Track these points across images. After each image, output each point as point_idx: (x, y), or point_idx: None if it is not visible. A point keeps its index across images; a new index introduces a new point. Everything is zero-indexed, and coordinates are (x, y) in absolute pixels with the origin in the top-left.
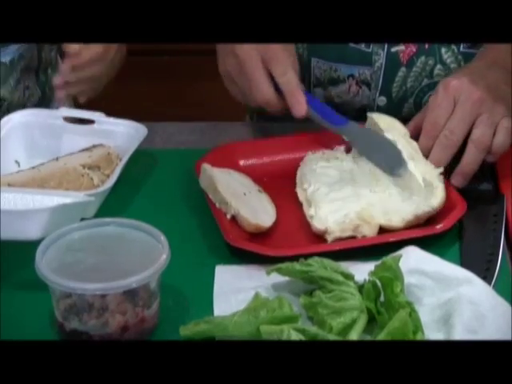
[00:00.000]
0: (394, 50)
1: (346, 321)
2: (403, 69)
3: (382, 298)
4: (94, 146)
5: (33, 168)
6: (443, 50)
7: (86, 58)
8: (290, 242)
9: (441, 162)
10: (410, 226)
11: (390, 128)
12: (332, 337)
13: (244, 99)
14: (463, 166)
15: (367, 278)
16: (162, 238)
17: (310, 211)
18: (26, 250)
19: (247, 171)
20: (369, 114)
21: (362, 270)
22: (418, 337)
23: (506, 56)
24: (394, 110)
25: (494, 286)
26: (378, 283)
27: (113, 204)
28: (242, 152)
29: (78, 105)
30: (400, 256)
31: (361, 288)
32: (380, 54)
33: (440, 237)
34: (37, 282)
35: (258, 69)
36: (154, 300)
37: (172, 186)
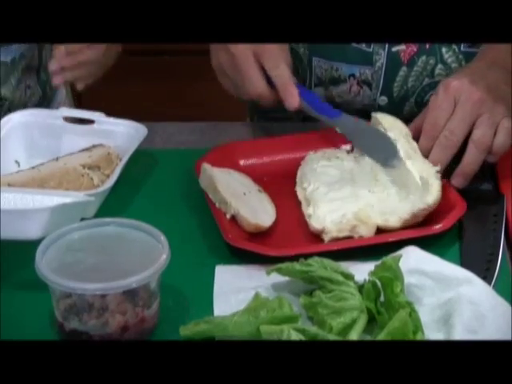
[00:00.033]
0: (394, 49)
1: (346, 321)
2: (404, 68)
3: (382, 298)
4: (94, 146)
5: (33, 168)
6: (444, 49)
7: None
8: (289, 241)
9: (441, 163)
10: (408, 226)
11: (392, 127)
12: (332, 337)
13: (237, 92)
14: (464, 167)
15: (367, 278)
16: (162, 238)
17: (308, 210)
18: (26, 249)
19: (247, 171)
20: (373, 114)
21: (361, 270)
22: (418, 337)
23: (505, 56)
24: (395, 109)
25: (494, 286)
26: (378, 283)
27: (113, 204)
28: (242, 152)
29: (75, 93)
30: (400, 256)
31: (361, 288)
32: (381, 54)
33: (440, 237)
34: (37, 282)
35: (250, 62)
36: (154, 300)
37: (172, 186)
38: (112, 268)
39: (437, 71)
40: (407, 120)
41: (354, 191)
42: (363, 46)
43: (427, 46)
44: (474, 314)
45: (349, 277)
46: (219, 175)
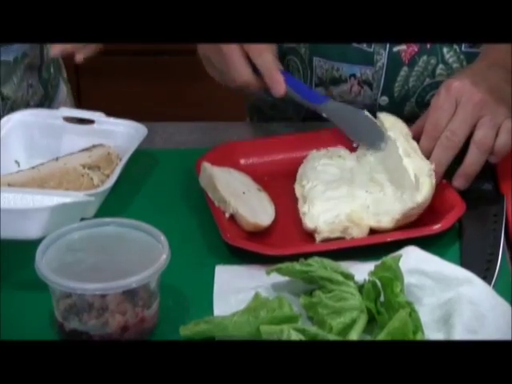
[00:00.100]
0: (395, 49)
1: (346, 321)
2: (405, 68)
3: (381, 298)
4: (94, 146)
5: (33, 168)
6: (445, 49)
7: None
8: (288, 241)
9: (442, 163)
10: (401, 226)
11: (392, 127)
12: (332, 337)
13: (223, 80)
14: (465, 168)
15: (367, 278)
16: (162, 238)
17: (303, 208)
18: (26, 249)
19: (248, 170)
20: (378, 114)
21: (361, 270)
22: (418, 337)
23: (506, 56)
24: (396, 109)
25: (494, 286)
26: (378, 283)
27: (113, 204)
28: (242, 151)
29: (76, 66)
30: (400, 256)
31: (361, 288)
32: (382, 54)
33: (440, 237)
34: (37, 282)
35: (235, 50)
36: (154, 300)
37: (172, 186)
38: (112, 268)
39: (438, 71)
40: (408, 120)
41: (351, 191)
42: (364, 46)
43: (428, 46)
44: (473, 314)
45: (349, 277)
46: (219, 174)
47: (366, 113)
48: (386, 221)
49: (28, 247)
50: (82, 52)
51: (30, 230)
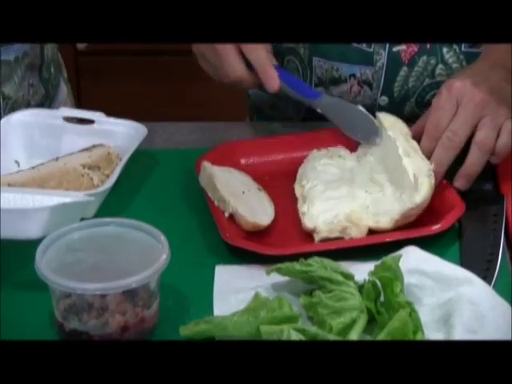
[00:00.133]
0: (395, 49)
1: (346, 321)
2: (405, 68)
3: (381, 298)
4: (94, 146)
5: (33, 168)
6: (445, 49)
7: None
8: (287, 241)
9: (443, 163)
10: (400, 226)
11: (392, 126)
12: (332, 337)
13: (217, 76)
14: (466, 168)
15: (367, 278)
16: (162, 238)
17: (302, 207)
18: (26, 249)
19: (248, 170)
20: (377, 114)
21: (361, 270)
22: (418, 337)
23: (506, 56)
24: (396, 109)
25: (494, 286)
26: (378, 283)
27: (113, 204)
28: (243, 151)
29: (76, 66)
30: (400, 256)
31: (361, 288)
32: (381, 54)
33: (440, 237)
34: (37, 282)
35: (229, 46)
36: (154, 300)
37: (172, 186)
38: (112, 268)
39: (437, 71)
40: (408, 120)
41: (350, 191)
42: (364, 46)
43: (428, 46)
44: (474, 314)
45: (349, 277)
46: (219, 173)
47: (361, 108)
48: (385, 221)
49: (28, 247)
50: None
51: (30, 230)
